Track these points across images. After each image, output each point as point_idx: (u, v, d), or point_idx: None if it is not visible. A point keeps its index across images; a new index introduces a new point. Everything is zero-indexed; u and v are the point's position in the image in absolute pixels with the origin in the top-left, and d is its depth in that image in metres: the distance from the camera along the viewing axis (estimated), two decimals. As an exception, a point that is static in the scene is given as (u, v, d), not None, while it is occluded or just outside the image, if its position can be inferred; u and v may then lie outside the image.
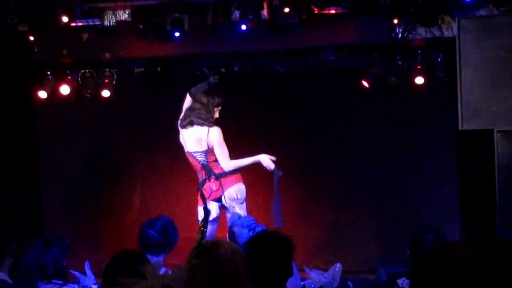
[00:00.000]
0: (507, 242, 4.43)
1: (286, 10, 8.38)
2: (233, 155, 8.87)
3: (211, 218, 7.73)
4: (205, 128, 7.86)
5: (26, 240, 8.18)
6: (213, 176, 7.91)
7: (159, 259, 6.21)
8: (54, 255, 5.93)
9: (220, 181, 7.89)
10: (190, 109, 7.96)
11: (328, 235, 9.54)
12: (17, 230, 8.97)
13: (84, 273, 6.75)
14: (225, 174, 7.91)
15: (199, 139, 7.88)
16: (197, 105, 7.92)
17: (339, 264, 7.22)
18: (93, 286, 6.61)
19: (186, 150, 7.99)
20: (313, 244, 9.41)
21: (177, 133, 8.13)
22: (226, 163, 7.88)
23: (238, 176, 7.96)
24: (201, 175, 7.98)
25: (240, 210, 7.83)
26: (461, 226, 9.08)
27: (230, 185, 7.90)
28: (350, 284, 7.44)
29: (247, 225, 6.85)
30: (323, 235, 9.54)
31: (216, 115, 7.97)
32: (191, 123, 7.90)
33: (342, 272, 7.26)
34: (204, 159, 7.92)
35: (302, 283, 7.10)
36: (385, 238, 9.29)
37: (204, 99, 7.93)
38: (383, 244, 9.26)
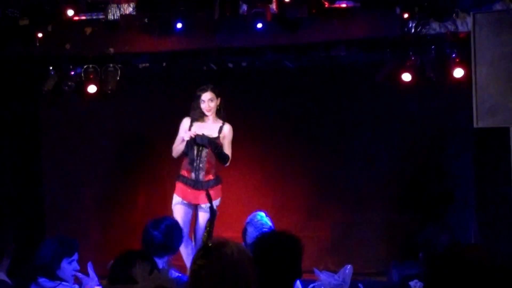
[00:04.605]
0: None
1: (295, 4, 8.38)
2: (240, 154, 8.89)
3: None
4: None
5: (27, 239, 8.20)
6: None
7: (163, 261, 6.21)
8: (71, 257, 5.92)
9: None
10: None
11: (338, 235, 9.52)
12: (17, 230, 9.00)
13: (87, 274, 6.74)
14: None
15: None
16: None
17: (349, 265, 7.19)
18: (96, 287, 6.60)
19: None
20: (322, 245, 9.40)
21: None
22: None
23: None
24: None
25: None
26: (476, 226, 9.05)
27: None
28: (361, 286, 7.41)
29: (260, 229, 6.85)
30: (333, 235, 9.53)
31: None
32: None
33: (353, 274, 7.22)
34: None
35: (311, 285, 7.09)
36: (397, 239, 9.27)
37: None
38: (395, 245, 9.25)
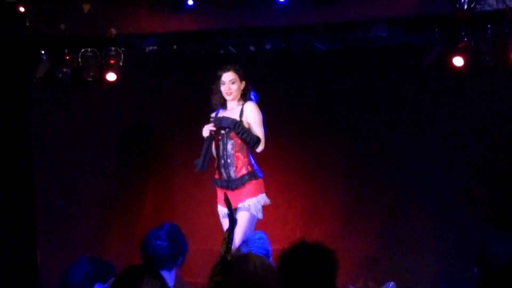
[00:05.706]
0: None
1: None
2: (263, 152, 8.86)
3: None
4: None
5: (14, 248, 8.19)
6: None
7: (172, 275, 6.21)
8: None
9: None
10: None
11: (379, 248, 9.51)
12: (3, 237, 9.04)
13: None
14: None
15: None
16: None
17: (392, 283, 7.21)
18: (96, 306, 6.62)
19: None
20: (360, 259, 9.39)
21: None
22: None
23: None
24: None
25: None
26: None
27: None
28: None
29: (256, 252, 6.84)
30: (373, 248, 9.52)
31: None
32: None
33: (396, 292, 7.24)
34: None
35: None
36: (447, 252, 9.24)
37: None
38: (445, 259, 9.22)
